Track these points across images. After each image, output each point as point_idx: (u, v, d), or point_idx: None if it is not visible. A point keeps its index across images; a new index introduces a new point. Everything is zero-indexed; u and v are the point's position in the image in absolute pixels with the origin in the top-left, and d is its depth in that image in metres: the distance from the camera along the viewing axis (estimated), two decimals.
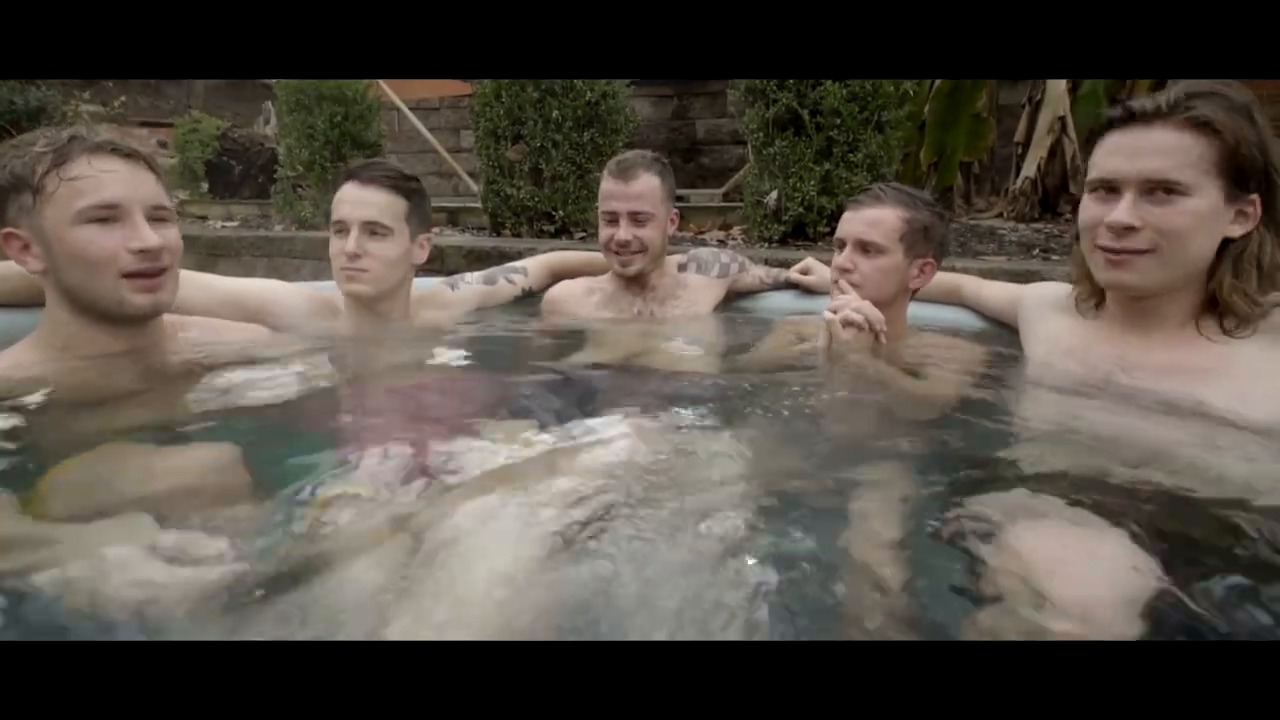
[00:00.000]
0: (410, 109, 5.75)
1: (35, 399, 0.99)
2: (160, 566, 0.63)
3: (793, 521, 0.84)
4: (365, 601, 0.64)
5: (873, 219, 1.39)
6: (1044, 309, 1.35)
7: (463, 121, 6.59)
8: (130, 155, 1.03)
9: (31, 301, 1.14)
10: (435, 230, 1.54)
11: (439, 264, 2.55)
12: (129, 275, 1.02)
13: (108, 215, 0.99)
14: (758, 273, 1.91)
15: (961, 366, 1.38)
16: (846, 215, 1.44)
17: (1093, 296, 1.22)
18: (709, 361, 1.54)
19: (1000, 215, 3.73)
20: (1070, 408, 1.13)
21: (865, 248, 1.40)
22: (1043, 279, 1.60)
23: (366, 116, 4.19)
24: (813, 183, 2.87)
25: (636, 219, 1.65)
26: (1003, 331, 1.54)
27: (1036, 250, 2.79)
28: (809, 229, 2.95)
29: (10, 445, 0.87)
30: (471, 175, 5.53)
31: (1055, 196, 3.58)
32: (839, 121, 2.81)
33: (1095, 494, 0.80)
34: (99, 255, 0.99)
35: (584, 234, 3.46)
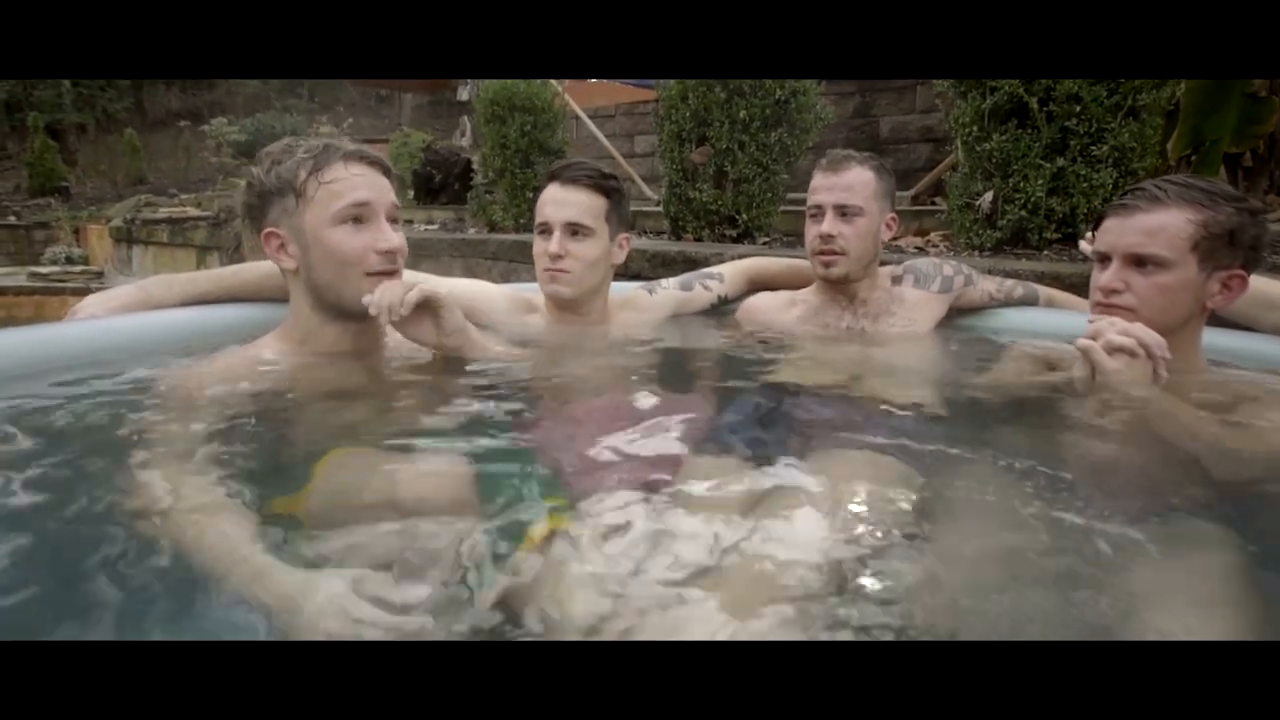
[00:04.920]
0: (588, 116, 5.94)
1: (284, 389, 1.06)
2: (363, 605, 0.61)
3: (1066, 602, 0.67)
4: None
5: (1151, 226, 1.10)
6: None
7: (637, 128, 6.70)
8: (374, 162, 1.09)
9: (279, 298, 1.22)
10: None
11: (623, 267, 2.55)
12: (372, 274, 1.08)
13: (359, 215, 1.06)
14: (987, 287, 1.65)
15: None
16: (1110, 223, 1.16)
17: None
18: (934, 390, 1.33)
19: None
20: None
21: (1141, 262, 1.11)
22: None
23: (553, 124, 4.37)
24: (1040, 182, 2.48)
25: (843, 213, 1.49)
26: None
27: None
28: (1031, 235, 2.57)
29: (270, 434, 0.93)
30: (645, 180, 5.60)
31: None
32: (1078, 109, 2.41)
33: None
34: (350, 254, 1.06)
35: (767, 239, 3.31)
